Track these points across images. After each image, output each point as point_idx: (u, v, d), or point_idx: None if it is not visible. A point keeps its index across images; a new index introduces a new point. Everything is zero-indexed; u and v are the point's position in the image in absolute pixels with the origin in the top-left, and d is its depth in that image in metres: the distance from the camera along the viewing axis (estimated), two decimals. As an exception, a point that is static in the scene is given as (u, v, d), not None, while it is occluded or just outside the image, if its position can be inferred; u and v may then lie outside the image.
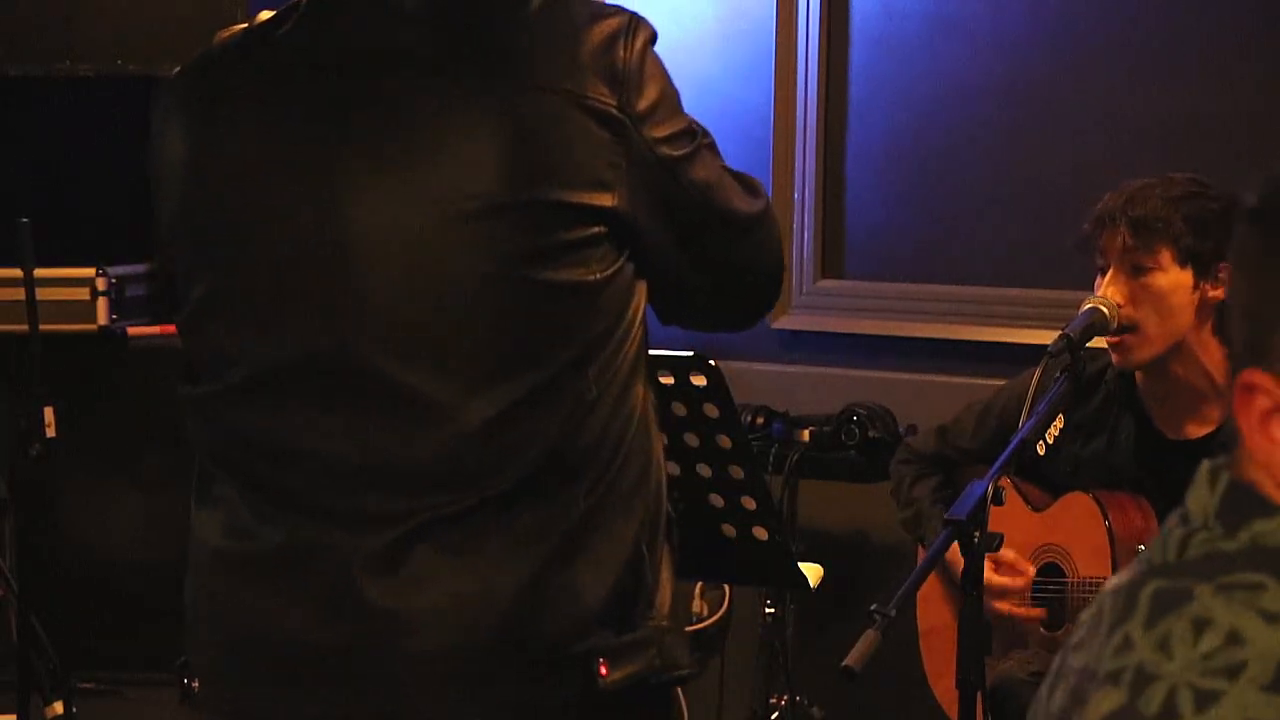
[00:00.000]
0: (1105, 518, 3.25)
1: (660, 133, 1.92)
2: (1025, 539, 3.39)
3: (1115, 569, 3.23)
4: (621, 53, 1.89)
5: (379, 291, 1.85)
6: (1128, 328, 3.14)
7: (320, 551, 1.89)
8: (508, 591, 1.87)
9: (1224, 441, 3.18)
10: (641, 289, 1.96)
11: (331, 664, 1.91)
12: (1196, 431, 3.25)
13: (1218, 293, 3.17)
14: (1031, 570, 3.35)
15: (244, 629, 1.95)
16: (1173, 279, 3.15)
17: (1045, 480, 3.40)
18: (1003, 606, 3.33)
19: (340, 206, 1.86)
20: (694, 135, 1.98)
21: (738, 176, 2.03)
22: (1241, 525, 1.12)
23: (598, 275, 1.88)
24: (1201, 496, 1.17)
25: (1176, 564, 1.12)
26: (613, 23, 1.91)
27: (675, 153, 1.94)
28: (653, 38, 1.96)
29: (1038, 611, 3.35)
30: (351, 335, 1.86)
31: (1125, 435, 3.29)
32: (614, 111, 1.88)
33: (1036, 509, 3.39)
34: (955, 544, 2.60)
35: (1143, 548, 3.18)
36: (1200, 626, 1.06)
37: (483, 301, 1.84)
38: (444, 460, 1.86)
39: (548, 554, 1.88)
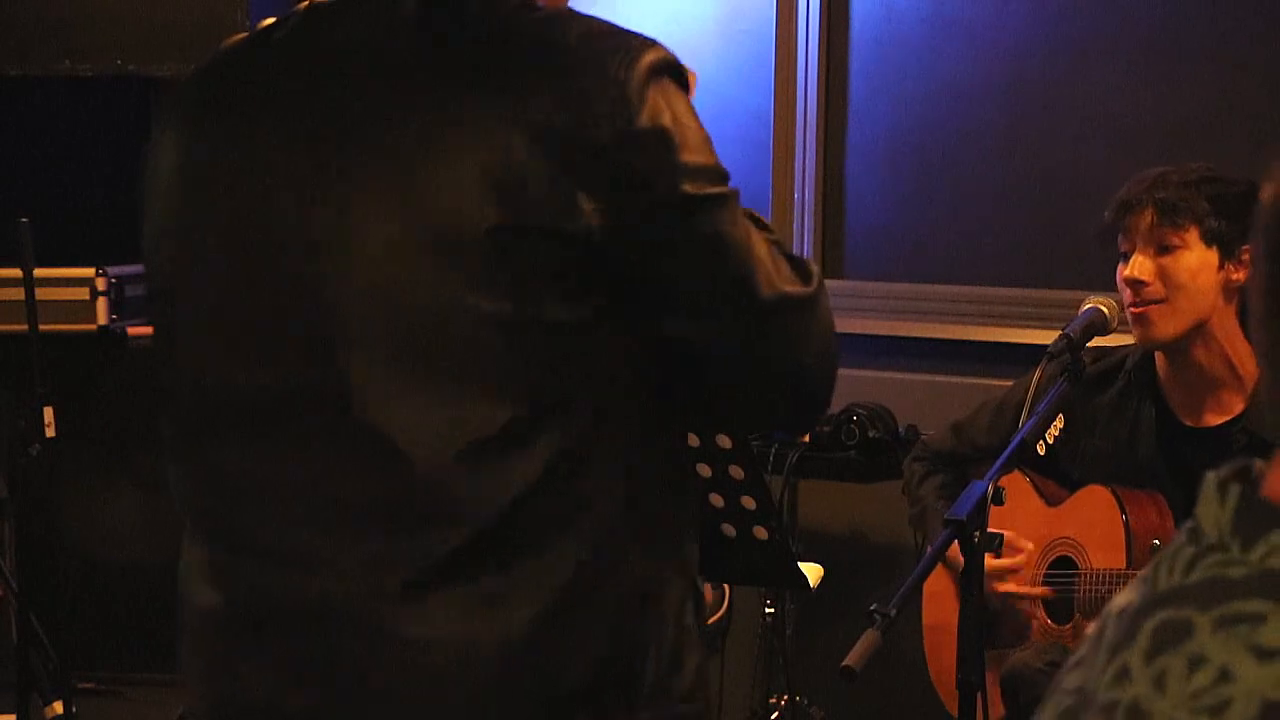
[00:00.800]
0: (1122, 511, 3.25)
1: (667, 165, 1.72)
2: (1038, 532, 3.38)
3: (1130, 563, 3.23)
4: (617, 75, 1.72)
5: (355, 320, 1.73)
6: (1154, 300, 3.16)
7: (282, 605, 1.80)
8: (488, 653, 1.71)
9: (1248, 429, 3.20)
10: (624, 351, 1.75)
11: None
12: (1216, 419, 3.26)
13: (1241, 275, 3.18)
14: (1030, 545, 3.36)
15: (220, 694, 1.85)
16: (1199, 258, 3.17)
17: (1061, 474, 3.40)
18: (1005, 587, 3.33)
19: (318, 227, 1.76)
20: (723, 178, 1.76)
21: (785, 254, 1.79)
22: (1259, 539, 1.12)
23: (575, 315, 1.70)
24: (1212, 511, 1.16)
25: (1180, 589, 1.12)
26: (613, 43, 1.75)
27: (690, 190, 1.72)
28: (661, 64, 1.78)
29: (1042, 590, 3.35)
30: (323, 365, 1.76)
31: (1145, 423, 3.29)
32: (595, 141, 1.69)
33: (1051, 503, 3.40)
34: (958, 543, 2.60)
35: (1157, 542, 3.20)
36: (1195, 664, 1.06)
37: (452, 332, 1.70)
38: (405, 503, 1.72)
39: (528, 616, 1.71)
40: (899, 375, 4.67)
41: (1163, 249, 3.18)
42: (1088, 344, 3.04)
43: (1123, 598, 1.16)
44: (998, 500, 2.65)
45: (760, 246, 1.76)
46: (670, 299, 1.74)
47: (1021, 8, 4.52)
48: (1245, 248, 3.18)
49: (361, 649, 1.74)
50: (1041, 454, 2.86)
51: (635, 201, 1.71)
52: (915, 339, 4.68)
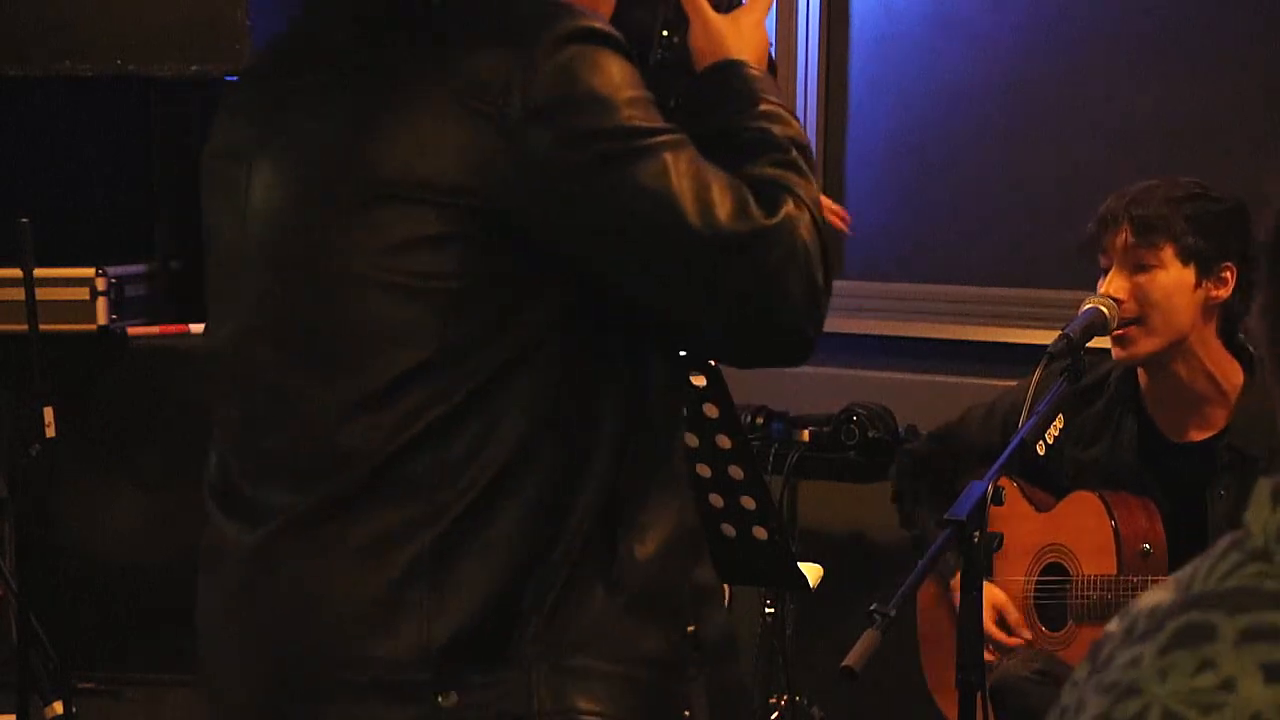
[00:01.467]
0: (1111, 517, 3.25)
1: (570, 133, 1.76)
2: (1029, 540, 3.39)
3: (1120, 568, 3.23)
4: (533, 48, 1.77)
5: (264, 284, 1.87)
6: (1131, 320, 3.16)
7: (221, 549, 1.94)
8: (348, 605, 1.82)
9: (1232, 445, 3.20)
10: (551, 307, 1.81)
11: (213, 667, 1.97)
12: (1199, 435, 3.26)
13: (1220, 293, 3.18)
14: (1028, 635, 3.39)
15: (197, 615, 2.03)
16: (1175, 277, 3.17)
17: (1049, 482, 3.40)
18: (991, 658, 3.35)
19: (250, 204, 1.90)
20: (630, 135, 1.77)
21: (726, 189, 1.81)
22: None
23: (454, 283, 1.78)
24: (1262, 515, 1.16)
25: (1213, 593, 1.12)
26: (536, 13, 1.80)
27: (583, 156, 1.76)
28: (580, 31, 1.79)
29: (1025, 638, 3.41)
30: (243, 326, 1.91)
31: (1128, 437, 3.30)
32: (501, 110, 1.76)
33: (1040, 509, 3.40)
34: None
35: (1147, 546, 3.21)
36: (1204, 666, 1.06)
37: (334, 294, 1.82)
38: (299, 455, 1.85)
39: (400, 570, 1.80)
40: (899, 375, 4.67)
41: (1139, 267, 3.19)
42: (1088, 344, 3.04)
43: (1154, 596, 1.16)
44: (997, 500, 2.65)
45: (688, 191, 1.78)
46: (600, 256, 1.80)
47: (1021, 8, 4.52)
48: (1225, 265, 3.18)
49: (264, 588, 1.87)
50: (1042, 454, 2.86)
51: (531, 171, 1.76)
52: (915, 339, 4.68)
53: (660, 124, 1.81)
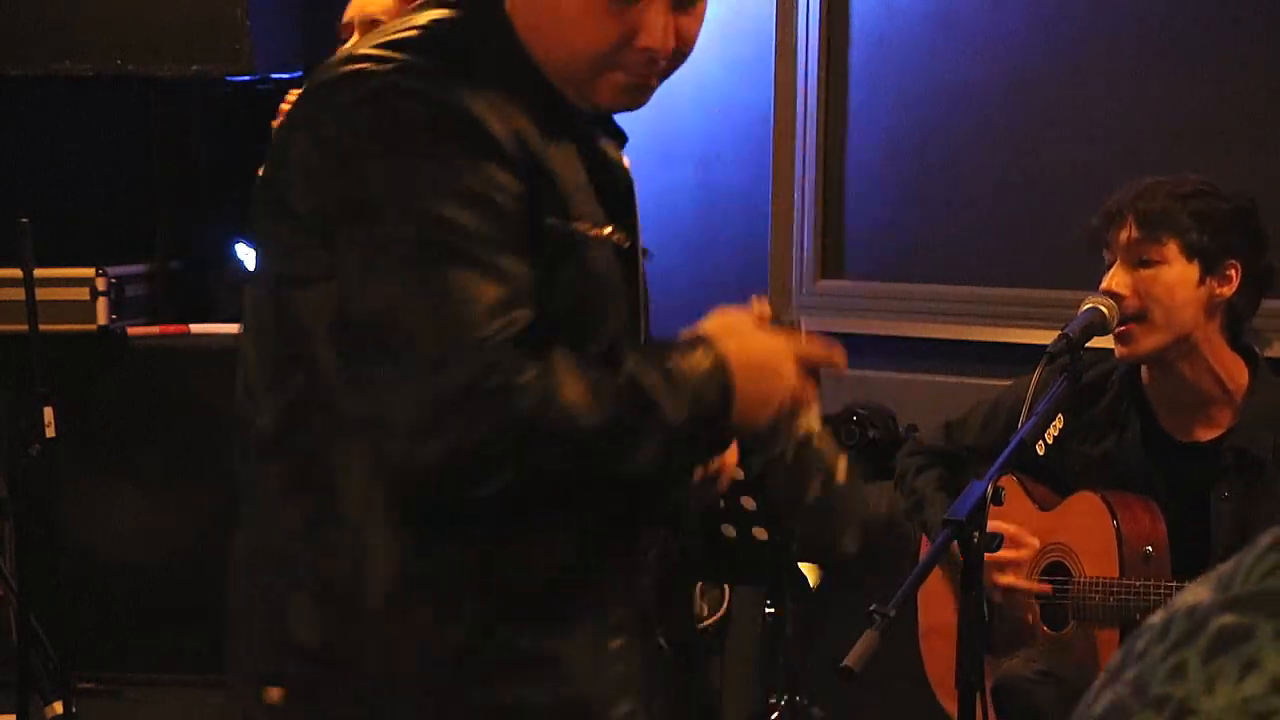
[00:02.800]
0: (1114, 518, 3.24)
1: (339, 191, 1.89)
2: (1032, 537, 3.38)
3: (1122, 571, 3.22)
4: (345, 100, 1.89)
5: None
6: (1134, 317, 3.15)
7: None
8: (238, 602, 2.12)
9: (1235, 446, 3.19)
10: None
11: None
12: (1205, 435, 3.25)
13: (1225, 290, 3.17)
14: (1036, 542, 3.33)
15: None
16: (1178, 273, 3.16)
17: (1053, 480, 3.39)
18: (1006, 579, 3.31)
19: None
20: (400, 217, 1.85)
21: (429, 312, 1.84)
22: None
23: (305, 274, 1.96)
24: None
25: (1253, 595, 1.11)
26: (367, 72, 1.90)
27: (345, 225, 1.88)
28: (386, 92, 1.88)
29: (1041, 586, 3.33)
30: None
31: (1132, 435, 3.28)
32: (323, 149, 1.90)
33: (1043, 507, 3.38)
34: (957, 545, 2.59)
35: (1149, 548, 3.20)
36: (1248, 668, 1.05)
37: (256, 289, 2.02)
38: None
39: (257, 563, 2.07)
40: (899, 375, 4.67)
41: (1142, 262, 3.17)
42: (1087, 344, 3.03)
43: (1191, 595, 1.15)
44: (997, 500, 2.64)
45: (399, 306, 1.84)
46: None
47: (1021, 8, 4.52)
48: (1230, 263, 3.16)
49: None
50: (1041, 454, 2.85)
51: (324, 212, 1.89)
52: (915, 339, 4.68)
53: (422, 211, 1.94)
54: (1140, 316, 3.15)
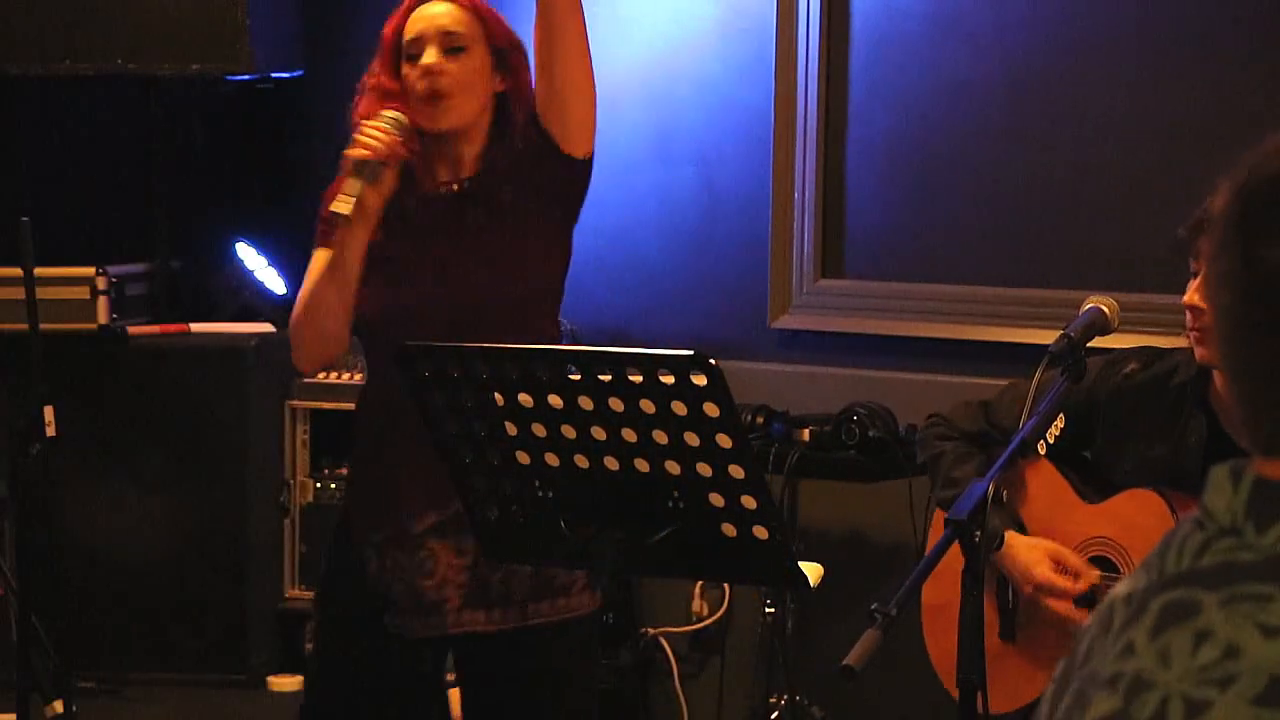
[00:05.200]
0: (1174, 517, 3.18)
1: None
2: (1074, 528, 3.31)
3: None
4: None
5: None
6: (1207, 329, 3.08)
7: None
8: None
9: None
10: None
11: None
12: None
13: None
14: (1095, 573, 3.28)
15: None
16: None
17: (1100, 476, 3.34)
18: (1058, 606, 3.27)
19: None
20: None
21: None
22: (1274, 523, 1.12)
23: None
24: (1224, 498, 1.17)
25: (1189, 572, 1.12)
26: None
27: None
28: None
29: (1084, 614, 3.29)
30: None
31: (1195, 438, 3.20)
32: None
33: (1088, 500, 3.33)
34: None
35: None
36: (1201, 639, 1.06)
37: None
38: None
39: None
40: (899, 375, 4.67)
41: None
42: (1088, 344, 3.03)
43: (1125, 585, 1.16)
44: (997, 500, 2.64)
45: None
46: None
47: (1022, 7, 4.52)
48: None
49: None
50: (1042, 453, 2.84)
51: None
52: (915, 339, 4.68)
53: None
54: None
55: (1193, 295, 3.08)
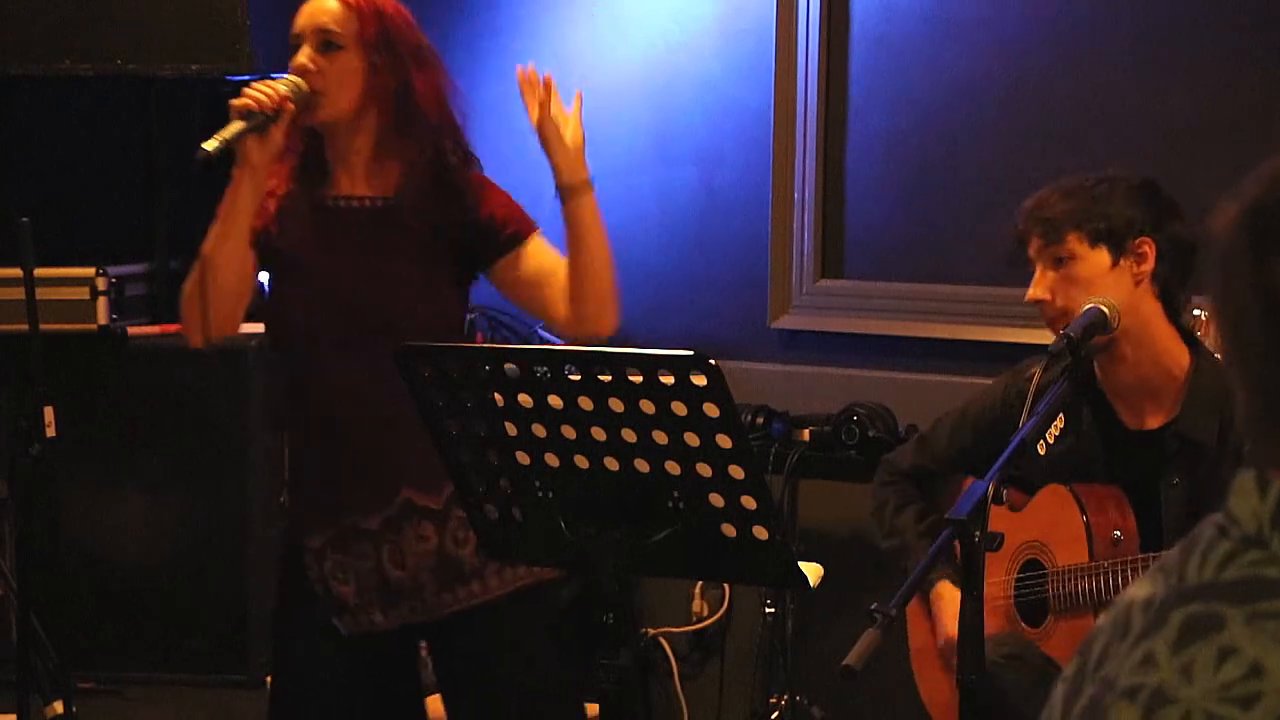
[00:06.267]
0: (1081, 508, 3.25)
1: None
2: (1008, 540, 3.37)
3: (1092, 556, 3.23)
4: None
5: None
6: (1061, 315, 3.19)
7: None
8: None
9: (1178, 433, 3.19)
10: None
11: None
12: (1154, 421, 3.25)
13: (1144, 267, 3.19)
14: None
15: None
16: (1091, 263, 3.20)
17: (1023, 482, 3.39)
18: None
19: None
20: None
21: None
22: None
23: None
24: (1250, 504, 1.15)
25: (1212, 584, 1.11)
26: None
27: None
28: None
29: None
30: None
31: (1087, 426, 3.29)
32: None
33: (1015, 509, 3.39)
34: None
35: (1118, 533, 3.20)
36: (1225, 655, 1.05)
37: None
38: None
39: None
40: (899, 375, 4.67)
41: (1056, 262, 3.23)
42: (1088, 343, 3.04)
43: (1143, 590, 1.15)
44: (998, 499, 2.65)
45: None
46: None
47: (1022, 7, 4.52)
48: (1139, 240, 3.19)
49: None
50: (1042, 454, 2.86)
51: None
52: (915, 339, 4.68)
53: None
54: (1067, 313, 3.17)
55: (1031, 292, 3.23)
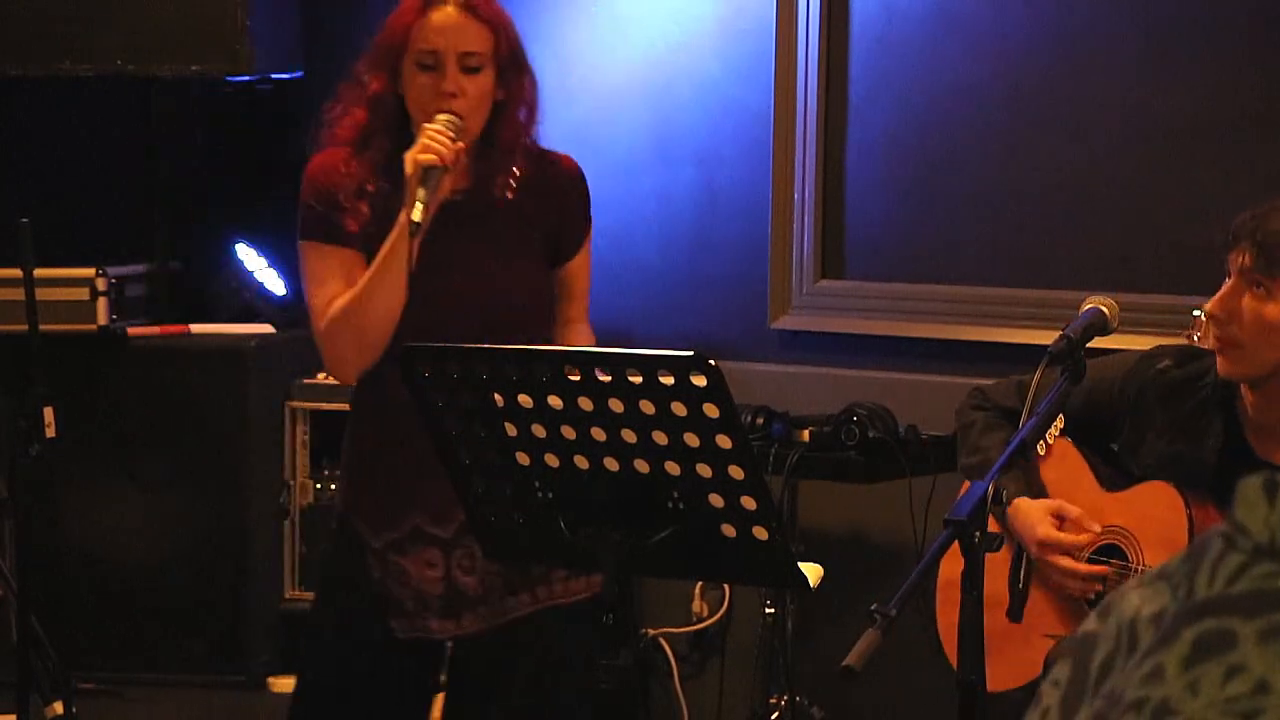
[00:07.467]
0: (1189, 514, 3.17)
1: None
2: (1091, 512, 3.31)
3: None
4: None
5: None
6: (1228, 342, 3.06)
7: None
8: None
9: None
10: None
11: None
12: None
13: None
14: (1097, 527, 3.27)
15: None
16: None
17: (1121, 466, 3.33)
18: (1064, 562, 3.26)
19: None
20: None
21: None
22: None
23: None
24: (1260, 513, 1.14)
25: (1224, 598, 1.10)
26: None
27: None
28: None
29: (1101, 568, 3.28)
30: None
31: (1213, 441, 3.20)
32: None
33: (1108, 487, 3.33)
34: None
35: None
36: (1233, 672, 1.05)
37: None
38: None
39: None
40: (899, 375, 4.67)
41: (1257, 286, 3.02)
42: (1088, 344, 3.02)
43: (1149, 604, 1.14)
44: (998, 500, 2.64)
45: None
46: None
47: (1022, 7, 4.52)
48: None
49: None
50: (1042, 454, 2.84)
51: None
52: (915, 339, 4.68)
53: None
54: (1234, 343, 3.07)
55: (1214, 304, 3.06)
